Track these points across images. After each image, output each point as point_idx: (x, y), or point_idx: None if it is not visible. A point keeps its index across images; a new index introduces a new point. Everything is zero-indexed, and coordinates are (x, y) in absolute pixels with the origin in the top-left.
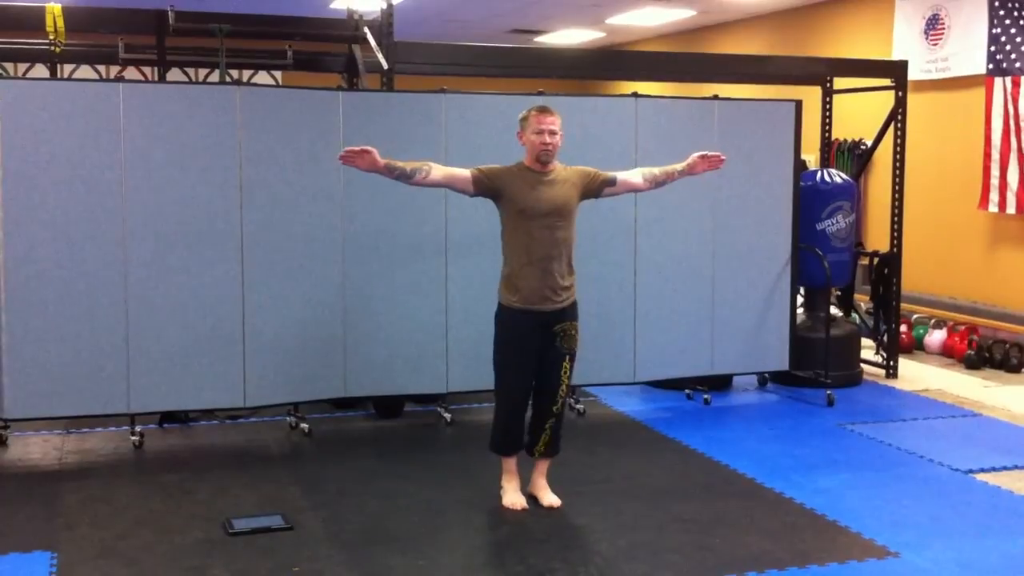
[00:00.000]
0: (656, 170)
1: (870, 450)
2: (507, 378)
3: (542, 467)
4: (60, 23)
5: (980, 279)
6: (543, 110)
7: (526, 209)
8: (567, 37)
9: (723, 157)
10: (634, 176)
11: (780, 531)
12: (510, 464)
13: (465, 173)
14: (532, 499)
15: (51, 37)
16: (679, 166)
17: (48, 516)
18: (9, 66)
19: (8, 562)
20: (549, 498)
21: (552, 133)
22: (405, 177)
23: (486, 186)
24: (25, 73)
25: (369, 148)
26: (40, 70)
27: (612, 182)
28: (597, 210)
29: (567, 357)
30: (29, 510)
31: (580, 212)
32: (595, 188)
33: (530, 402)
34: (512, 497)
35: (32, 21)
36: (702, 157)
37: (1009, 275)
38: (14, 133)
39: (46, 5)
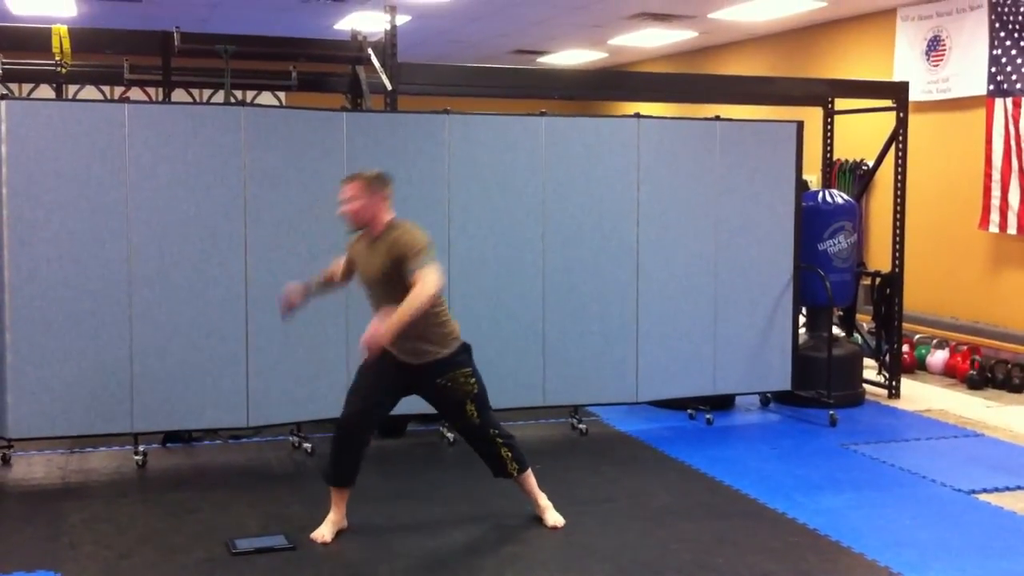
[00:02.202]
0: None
1: (872, 470)
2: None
3: (526, 485)
4: (66, 44)
5: (982, 299)
6: (343, 181)
7: (359, 274)
8: (569, 58)
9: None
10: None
11: (782, 551)
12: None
13: (341, 259)
14: (537, 520)
15: (57, 58)
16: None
17: (52, 535)
18: (14, 87)
19: None
20: (553, 517)
21: (345, 201)
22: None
23: (349, 258)
24: (30, 93)
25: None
26: (45, 91)
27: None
28: (599, 229)
29: (467, 401)
30: (33, 529)
31: (583, 231)
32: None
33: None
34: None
35: (38, 42)
36: None
37: (1010, 295)
38: (19, 152)
39: (52, 26)
